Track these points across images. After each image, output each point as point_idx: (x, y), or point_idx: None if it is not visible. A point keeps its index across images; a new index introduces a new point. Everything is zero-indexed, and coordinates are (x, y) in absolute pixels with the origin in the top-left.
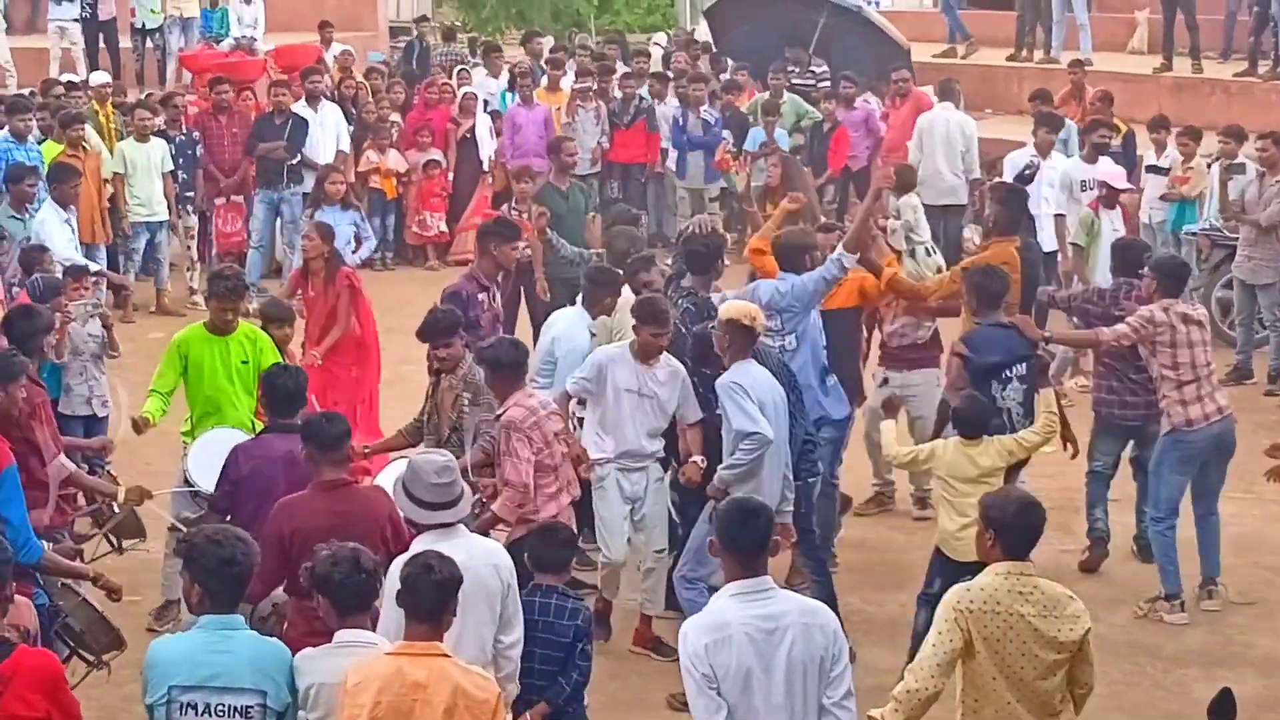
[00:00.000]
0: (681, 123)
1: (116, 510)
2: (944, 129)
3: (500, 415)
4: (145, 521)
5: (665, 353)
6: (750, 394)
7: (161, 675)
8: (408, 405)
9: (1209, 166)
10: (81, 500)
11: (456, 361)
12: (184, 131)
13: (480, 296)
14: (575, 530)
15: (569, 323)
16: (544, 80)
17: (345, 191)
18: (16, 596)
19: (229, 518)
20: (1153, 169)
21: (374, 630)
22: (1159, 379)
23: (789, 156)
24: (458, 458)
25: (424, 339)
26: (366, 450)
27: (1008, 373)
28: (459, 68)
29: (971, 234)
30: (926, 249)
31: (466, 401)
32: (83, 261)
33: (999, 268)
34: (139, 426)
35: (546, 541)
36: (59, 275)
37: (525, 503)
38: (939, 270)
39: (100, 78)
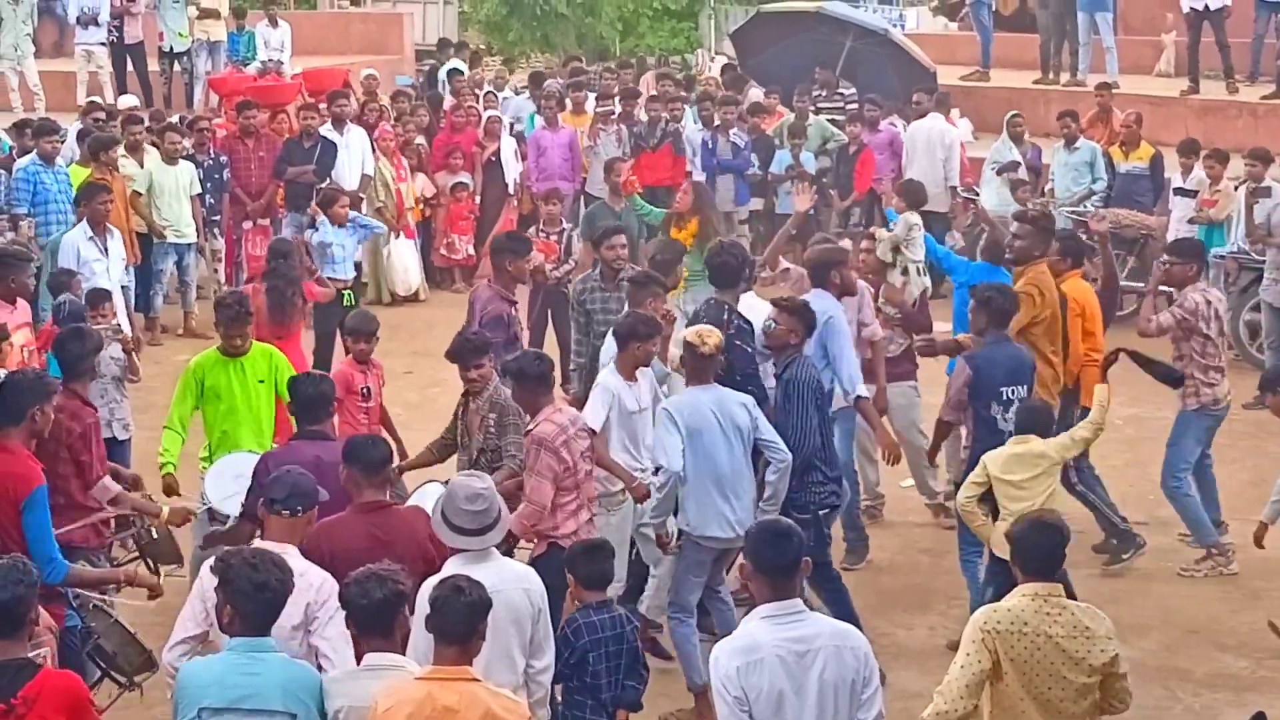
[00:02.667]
0: (711, 146)
1: (155, 535)
2: (925, 138)
3: (531, 430)
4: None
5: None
6: (678, 423)
7: (192, 697)
8: (434, 428)
9: (1236, 189)
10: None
11: (487, 382)
12: (211, 155)
13: (512, 312)
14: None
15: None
16: (568, 103)
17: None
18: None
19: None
20: (1180, 191)
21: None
22: (1188, 361)
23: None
24: None
25: (455, 360)
26: (394, 469)
27: (1008, 394)
28: (486, 90)
29: (955, 241)
30: (918, 269)
31: (492, 423)
32: (105, 286)
33: (1008, 285)
34: (170, 491)
35: (593, 559)
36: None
37: (540, 522)
38: (924, 291)
39: (128, 101)
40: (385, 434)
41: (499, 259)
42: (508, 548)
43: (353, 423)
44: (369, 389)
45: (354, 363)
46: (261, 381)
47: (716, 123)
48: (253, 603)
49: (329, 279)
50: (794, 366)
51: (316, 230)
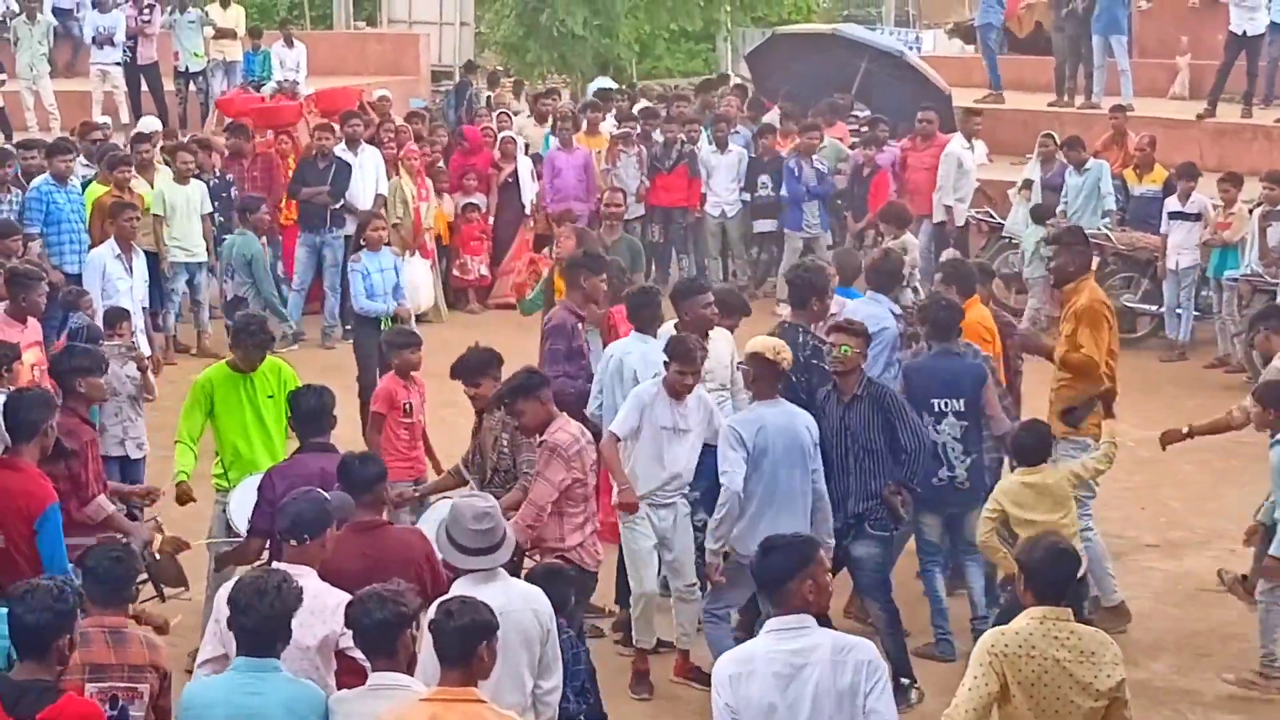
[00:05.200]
0: (797, 173)
1: (158, 557)
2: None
3: (545, 438)
4: (186, 563)
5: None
6: (745, 441)
7: (197, 716)
8: (449, 449)
9: (1250, 212)
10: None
11: (485, 401)
12: (217, 174)
13: (579, 327)
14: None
15: (640, 352)
16: (583, 124)
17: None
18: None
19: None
20: (1176, 215)
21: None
22: None
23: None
24: (500, 498)
25: (455, 376)
26: (416, 491)
27: (940, 405)
28: (499, 111)
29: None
30: (913, 289)
31: (505, 442)
32: (126, 305)
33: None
34: (184, 499)
35: (554, 584)
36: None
37: (538, 524)
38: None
39: (152, 124)
40: (424, 454)
41: (573, 275)
42: (515, 563)
43: (393, 438)
44: (411, 405)
45: (396, 379)
46: (270, 396)
47: (800, 147)
48: (235, 623)
49: (368, 307)
50: (873, 385)
51: (359, 260)
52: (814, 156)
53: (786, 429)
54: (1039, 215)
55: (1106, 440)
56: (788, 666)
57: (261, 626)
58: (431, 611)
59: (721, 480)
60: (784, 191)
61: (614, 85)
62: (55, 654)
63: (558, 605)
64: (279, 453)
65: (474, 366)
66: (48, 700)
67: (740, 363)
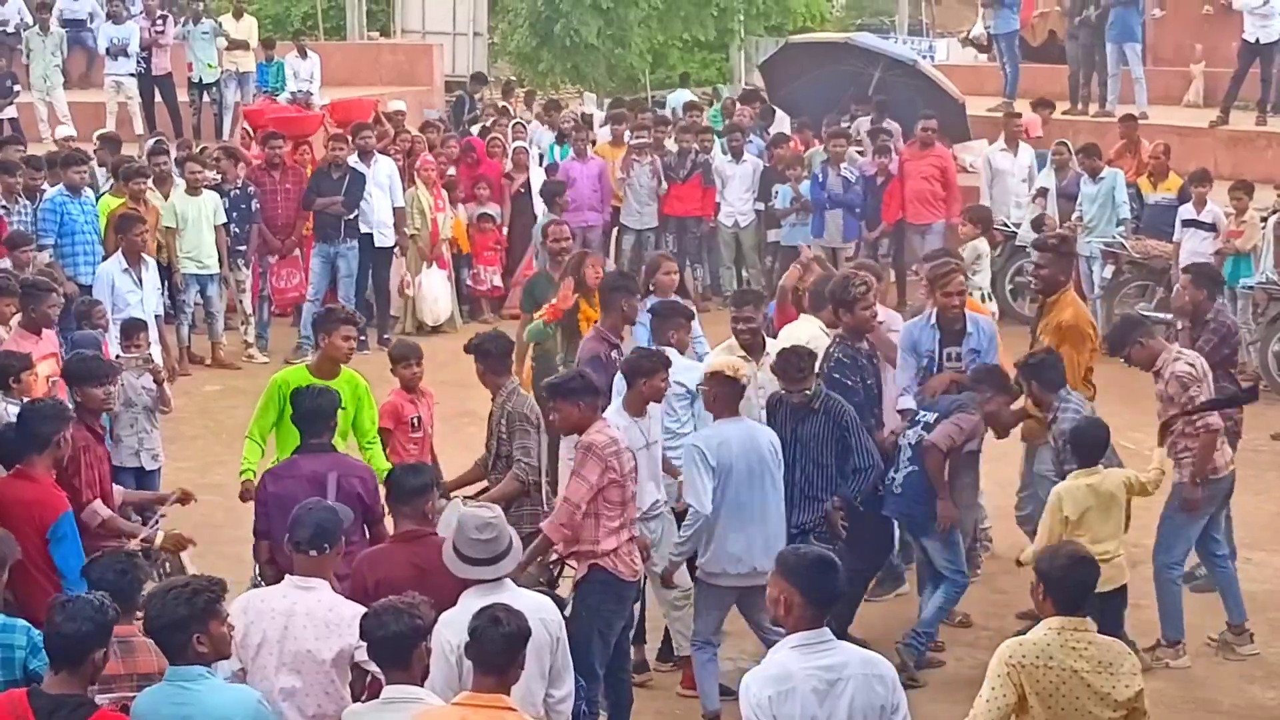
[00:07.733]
0: (822, 180)
1: (169, 568)
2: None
3: (582, 438)
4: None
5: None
6: (709, 459)
7: None
8: (461, 456)
9: (1263, 221)
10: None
11: (486, 383)
12: (239, 185)
13: (613, 355)
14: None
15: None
16: (607, 134)
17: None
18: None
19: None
20: (1190, 223)
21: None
22: (1182, 430)
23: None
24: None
25: (467, 350)
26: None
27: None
28: (514, 121)
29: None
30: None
31: (504, 429)
32: (141, 316)
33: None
34: (246, 496)
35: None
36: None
37: (571, 524)
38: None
39: (64, 132)
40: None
41: (614, 297)
42: (552, 575)
43: (402, 453)
44: (419, 418)
45: (403, 393)
46: (343, 408)
47: (826, 156)
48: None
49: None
50: (830, 399)
51: None
52: (844, 166)
53: (749, 444)
54: (1039, 225)
55: (1157, 470)
56: (823, 683)
57: (150, 630)
58: (440, 626)
59: (688, 501)
60: (808, 197)
61: (695, 99)
62: (89, 667)
63: None
64: None
65: (482, 349)
66: (82, 715)
67: (699, 384)
